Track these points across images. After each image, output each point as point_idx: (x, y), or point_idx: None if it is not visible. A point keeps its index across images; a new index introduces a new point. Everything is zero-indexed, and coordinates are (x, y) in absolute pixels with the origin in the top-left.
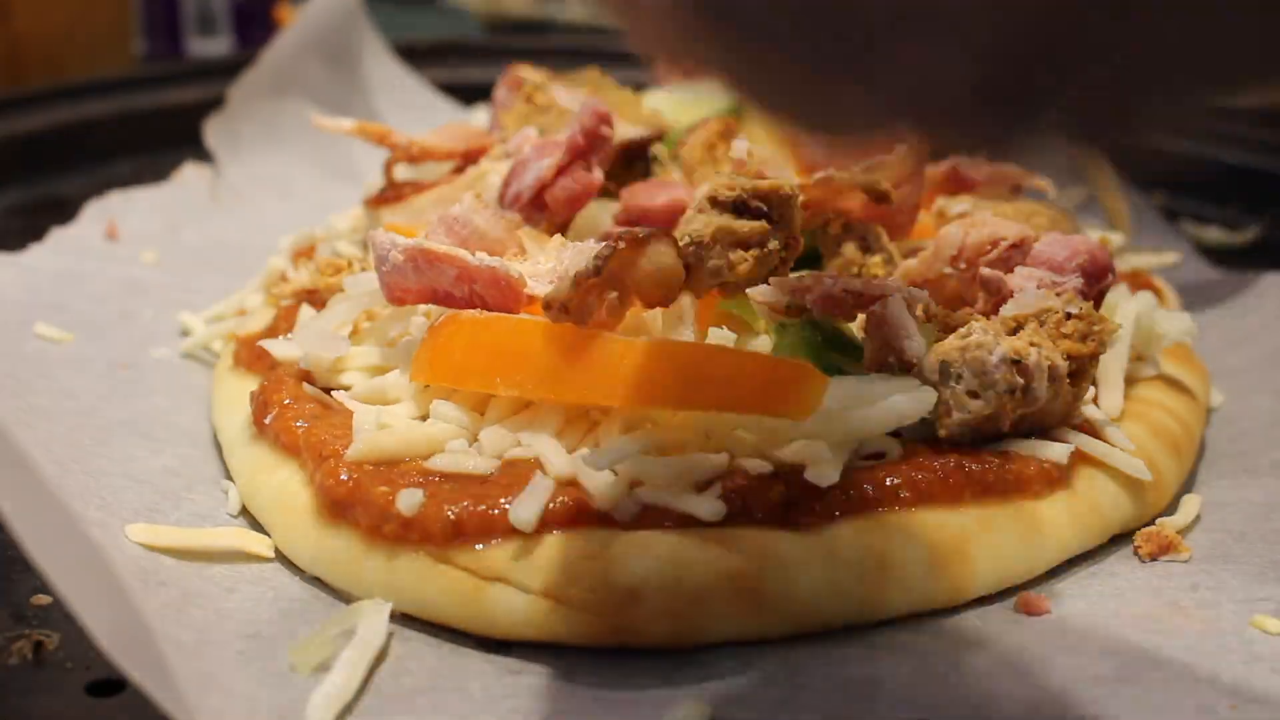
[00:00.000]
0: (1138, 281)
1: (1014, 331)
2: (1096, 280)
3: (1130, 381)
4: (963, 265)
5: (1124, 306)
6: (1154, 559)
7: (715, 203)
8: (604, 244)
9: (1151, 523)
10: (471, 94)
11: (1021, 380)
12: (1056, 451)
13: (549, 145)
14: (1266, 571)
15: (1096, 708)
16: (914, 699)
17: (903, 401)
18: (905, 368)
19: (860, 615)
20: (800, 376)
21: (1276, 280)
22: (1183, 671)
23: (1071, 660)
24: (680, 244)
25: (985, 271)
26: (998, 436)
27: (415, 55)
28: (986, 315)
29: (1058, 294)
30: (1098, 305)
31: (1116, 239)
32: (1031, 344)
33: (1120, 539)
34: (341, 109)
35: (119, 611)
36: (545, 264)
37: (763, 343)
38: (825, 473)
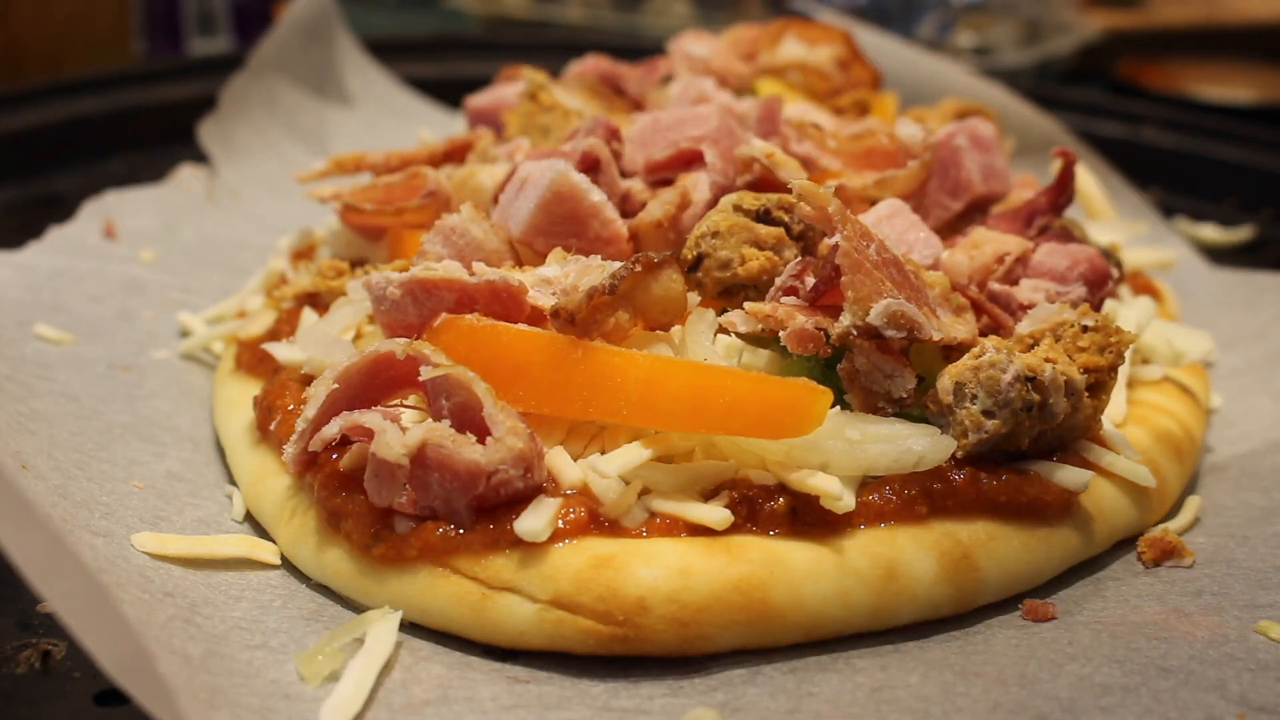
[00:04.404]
0: (1136, 282)
1: (1030, 348)
2: (1098, 287)
3: (1131, 385)
4: (974, 290)
5: (1124, 313)
6: (1157, 564)
7: (739, 209)
8: (621, 264)
9: (1154, 526)
10: (468, 88)
11: (1037, 397)
12: (1075, 478)
13: (552, 153)
14: (1270, 576)
15: (1104, 717)
16: (923, 708)
17: (923, 445)
18: (901, 405)
19: (869, 624)
20: (799, 397)
21: (1273, 280)
22: (1189, 679)
23: (1079, 668)
24: (696, 233)
25: (995, 287)
26: (1019, 454)
27: (410, 50)
28: (995, 330)
29: (1072, 305)
30: (1097, 310)
31: (1120, 238)
32: (1047, 359)
33: (1124, 543)
34: (331, 103)
35: (123, 638)
36: (548, 273)
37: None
38: (842, 504)
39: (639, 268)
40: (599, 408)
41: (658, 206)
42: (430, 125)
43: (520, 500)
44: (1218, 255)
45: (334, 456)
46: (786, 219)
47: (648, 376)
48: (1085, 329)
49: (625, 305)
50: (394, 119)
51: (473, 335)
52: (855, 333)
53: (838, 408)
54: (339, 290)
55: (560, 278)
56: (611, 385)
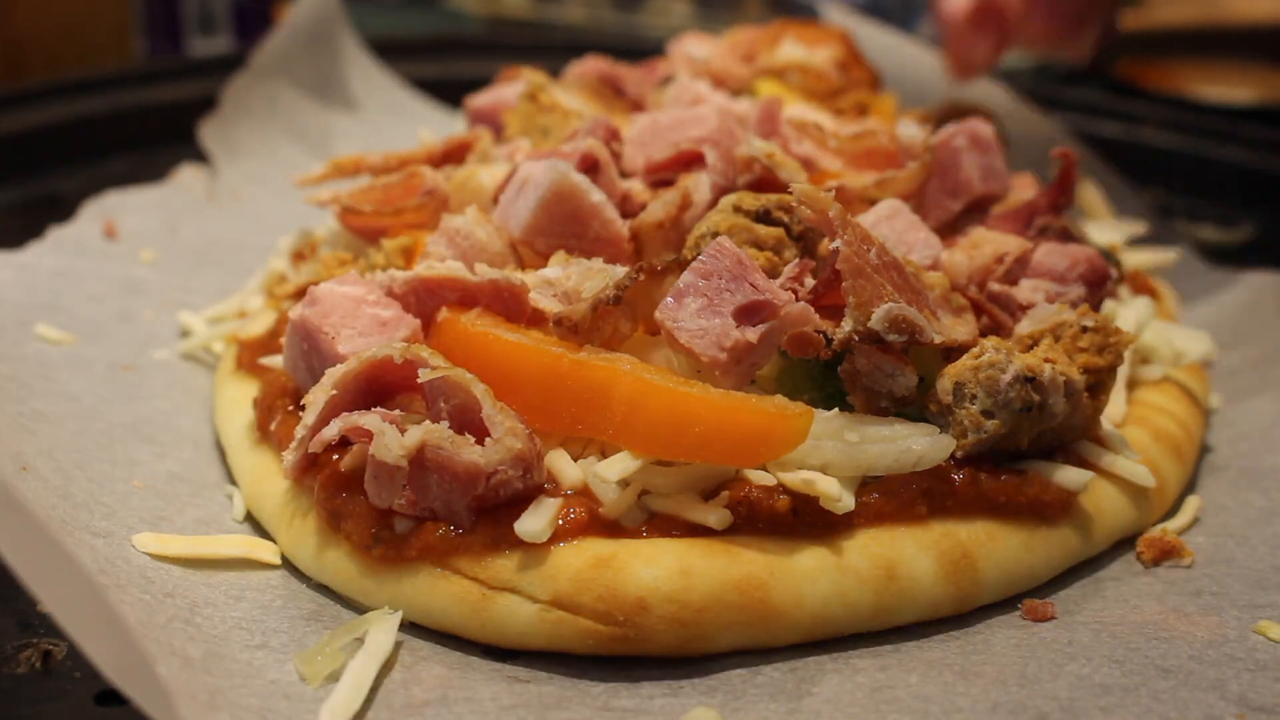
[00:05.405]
0: (1136, 283)
1: (1029, 348)
2: (1097, 288)
3: (1131, 385)
4: (974, 290)
5: (1124, 313)
6: (1157, 564)
7: (739, 210)
8: (624, 272)
9: (1154, 526)
10: (468, 88)
11: (1037, 397)
12: (1075, 479)
13: (552, 154)
14: (1269, 576)
15: (1104, 717)
16: (923, 708)
17: (922, 444)
18: (904, 404)
19: (868, 624)
20: (771, 425)
21: (1273, 280)
22: (1189, 679)
23: (1079, 668)
24: (696, 234)
25: (995, 288)
26: (1019, 454)
27: (410, 50)
28: (995, 331)
29: (1072, 305)
30: (1097, 310)
31: (1119, 238)
32: (1046, 360)
33: (1123, 543)
34: (331, 103)
35: (121, 640)
36: (550, 274)
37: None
38: (841, 504)
39: (643, 277)
40: (586, 425)
41: (659, 207)
42: (430, 125)
43: (520, 501)
44: (1217, 255)
45: (334, 458)
46: (786, 219)
47: (629, 398)
48: (1085, 329)
49: (627, 313)
50: (394, 119)
51: (468, 343)
52: (857, 337)
53: (836, 409)
54: None
55: (562, 279)
56: (597, 405)
